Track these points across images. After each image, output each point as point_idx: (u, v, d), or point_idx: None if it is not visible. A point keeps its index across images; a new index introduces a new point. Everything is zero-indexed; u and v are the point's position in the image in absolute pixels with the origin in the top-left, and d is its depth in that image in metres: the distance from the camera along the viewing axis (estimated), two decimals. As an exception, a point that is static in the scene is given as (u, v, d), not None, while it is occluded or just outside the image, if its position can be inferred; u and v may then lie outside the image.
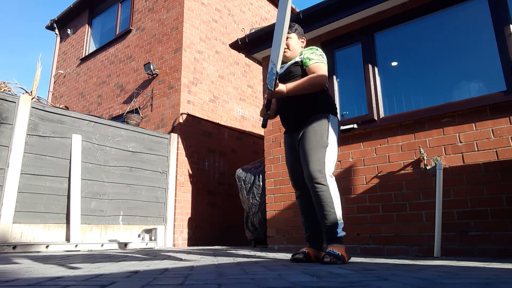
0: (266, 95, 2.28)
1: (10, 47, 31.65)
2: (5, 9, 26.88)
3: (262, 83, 4.82)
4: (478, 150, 3.01)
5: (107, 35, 8.15)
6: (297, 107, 2.33)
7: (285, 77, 2.36)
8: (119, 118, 6.65)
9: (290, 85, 2.21)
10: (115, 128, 4.85)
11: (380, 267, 1.91)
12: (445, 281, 1.29)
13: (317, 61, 2.29)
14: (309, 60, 2.31)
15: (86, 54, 8.41)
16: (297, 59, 2.38)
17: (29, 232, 3.82)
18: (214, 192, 6.15)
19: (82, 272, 1.62)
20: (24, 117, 3.96)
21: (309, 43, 4.35)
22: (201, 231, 5.74)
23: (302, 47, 2.49)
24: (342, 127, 3.77)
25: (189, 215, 5.62)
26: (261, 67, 4.96)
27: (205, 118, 6.24)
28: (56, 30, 9.59)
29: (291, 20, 4.26)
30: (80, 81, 8.31)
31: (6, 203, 3.66)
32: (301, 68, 2.34)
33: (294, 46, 2.41)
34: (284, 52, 2.32)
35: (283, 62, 2.40)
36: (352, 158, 3.72)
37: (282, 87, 2.18)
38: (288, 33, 2.34)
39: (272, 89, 2.15)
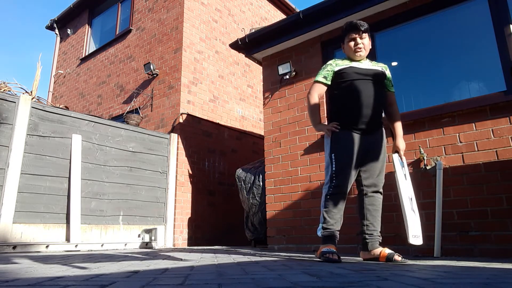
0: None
1: (10, 47, 31.65)
2: (5, 9, 26.87)
3: (262, 83, 4.82)
4: (478, 150, 3.00)
5: (107, 35, 8.15)
6: (379, 112, 2.50)
7: (374, 77, 2.50)
8: (119, 118, 6.64)
9: (401, 133, 2.60)
10: (115, 128, 4.85)
11: (380, 267, 1.91)
12: (445, 281, 1.29)
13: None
14: (392, 86, 2.66)
15: (86, 54, 8.41)
16: (380, 68, 2.57)
17: (29, 232, 3.82)
18: (214, 192, 6.15)
19: (82, 272, 1.62)
20: (24, 117, 3.96)
21: (309, 43, 4.35)
22: (201, 231, 5.74)
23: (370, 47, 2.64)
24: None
25: (189, 215, 5.62)
26: (261, 67, 4.96)
27: (205, 118, 6.24)
28: (56, 30, 9.58)
29: (292, 19, 4.27)
30: (80, 81, 8.31)
31: (6, 203, 3.66)
32: (384, 79, 2.57)
33: (367, 46, 2.56)
34: (359, 51, 2.51)
35: (360, 60, 2.57)
36: (352, 158, 3.71)
37: (402, 142, 2.59)
38: (362, 33, 2.52)
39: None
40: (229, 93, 6.93)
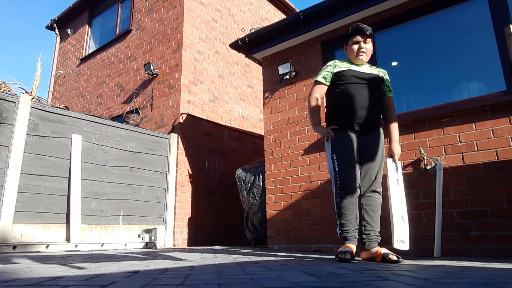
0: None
1: (10, 47, 31.65)
2: (5, 9, 26.87)
3: (262, 83, 4.82)
4: (478, 150, 3.00)
5: (107, 35, 8.15)
6: (374, 114, 2.51)
7: (370, 81, 2.51)
8: (119, 118, 6.64)
9: (397, 138, 2.59)
10: (115, 128, 4.85)
11: (380, 267, 1.91)
12: (445, 281, 1.29)
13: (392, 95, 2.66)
14: (390, 91, 2.63)
15: (86, 54, 8.41)
16: (378, 73, 2.58)
17: (29, 232, 3.82)
18: (214, 192, 6.15)
19: (82, 272, 1.62)
20: (24, 117, 3.96)
21: (309, 43, 4.35)
22: (201, 231, 5.74)
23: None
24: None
25: (189, 215, 5.62)
26: (261, 67, 4.96)
27: (205, 118, 6.24)
28: (56, 30, 9.58)
29: (292, 20, 4.27)
30: (80, 81, 8.31)
31: (6, 203, 3.66)
32: (381, 84, 2.58)
33: (369, 51, 2.57)
34: (362, 55, 2.52)
35: (361, 64, 2.58)
36: (352, 158, 3.71)
37: (397, 146, 2.58)
38: (367, 38, 2.53)
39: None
40: (229, 93, 6.93)
